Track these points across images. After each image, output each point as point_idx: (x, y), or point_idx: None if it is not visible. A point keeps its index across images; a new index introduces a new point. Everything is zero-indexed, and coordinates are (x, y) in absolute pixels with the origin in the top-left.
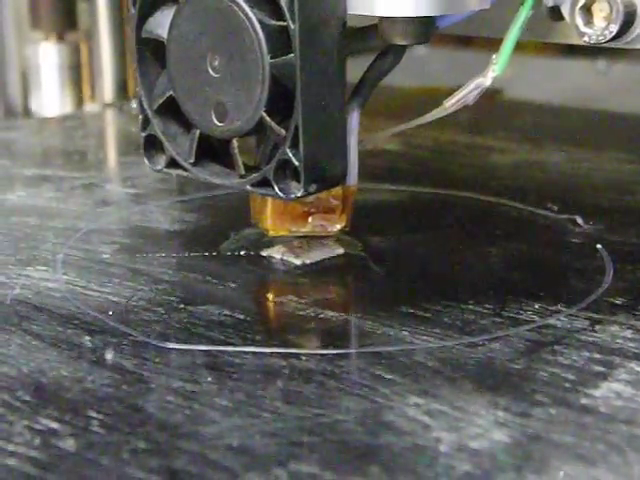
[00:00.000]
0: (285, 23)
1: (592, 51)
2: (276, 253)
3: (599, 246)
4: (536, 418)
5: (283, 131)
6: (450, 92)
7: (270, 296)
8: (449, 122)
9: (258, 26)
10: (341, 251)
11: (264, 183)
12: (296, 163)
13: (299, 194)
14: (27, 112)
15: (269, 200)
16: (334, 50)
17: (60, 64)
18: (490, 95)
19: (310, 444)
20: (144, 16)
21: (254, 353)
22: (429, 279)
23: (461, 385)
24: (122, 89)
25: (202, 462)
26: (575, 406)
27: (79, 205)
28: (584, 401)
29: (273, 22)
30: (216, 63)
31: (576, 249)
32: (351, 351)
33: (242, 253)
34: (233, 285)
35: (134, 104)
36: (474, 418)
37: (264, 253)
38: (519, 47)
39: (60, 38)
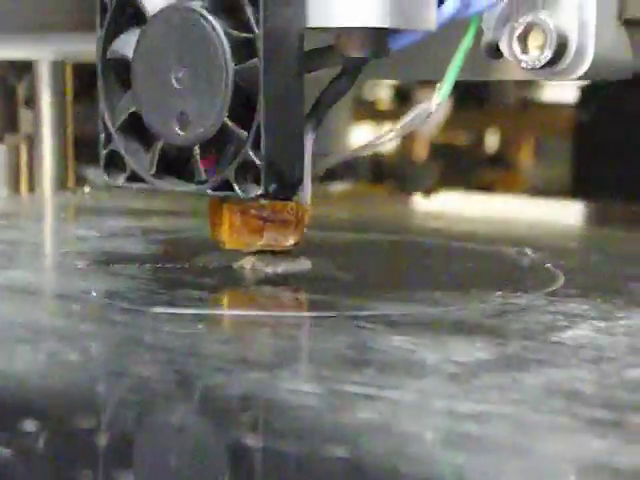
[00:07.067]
0: (248, 35)
1: None
2: (247, 263)
3: (548, 264)
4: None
5: (245, 133)
6: None
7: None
8: None
9: (223, 36)
10: (309, 264)
11: (224, 186)
12: (257, 162)
13: (259, 192)
14: None
15: (226, 214)
16: (294, 60)
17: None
18: None
19: None
20: (110, 38)
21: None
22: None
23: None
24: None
25: None
26: (546, 341)
27: None
28: (554, 339)
29: (237, 33)
30: (180, 75)
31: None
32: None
33: (214, 265)
34: (209, 280)
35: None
36: (455, 346)
37: (235, 265)
38: None
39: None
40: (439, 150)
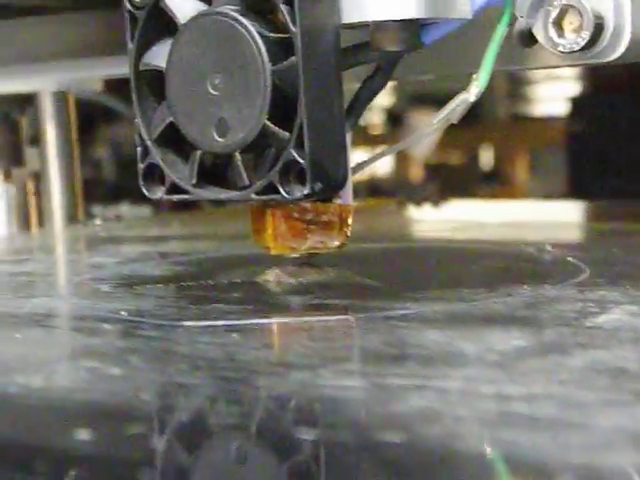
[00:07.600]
0: (282, 35)
1: None
2: (271, 277)
3: (570, 258)
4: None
5: (287, 134)
6: None
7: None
8: None
9: (259, 38)
10: (332, 273)
11: (268, 190)
12: (301, 161)
13: (305, 192)
14: None
15: (269, 219)
16: (331, 56)
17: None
18: None
19: None
20: (141, 50)
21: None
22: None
23: (475, 323)
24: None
25: None
26: (582, 326)
27: None
28: (589, 324)
29: (272, 34)
30: (216, 81)
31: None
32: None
33: (238, 280)
34: (236, 294)
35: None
36: (492, 336)
37: (259, 279)
38: None
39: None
40: (434, 169)
